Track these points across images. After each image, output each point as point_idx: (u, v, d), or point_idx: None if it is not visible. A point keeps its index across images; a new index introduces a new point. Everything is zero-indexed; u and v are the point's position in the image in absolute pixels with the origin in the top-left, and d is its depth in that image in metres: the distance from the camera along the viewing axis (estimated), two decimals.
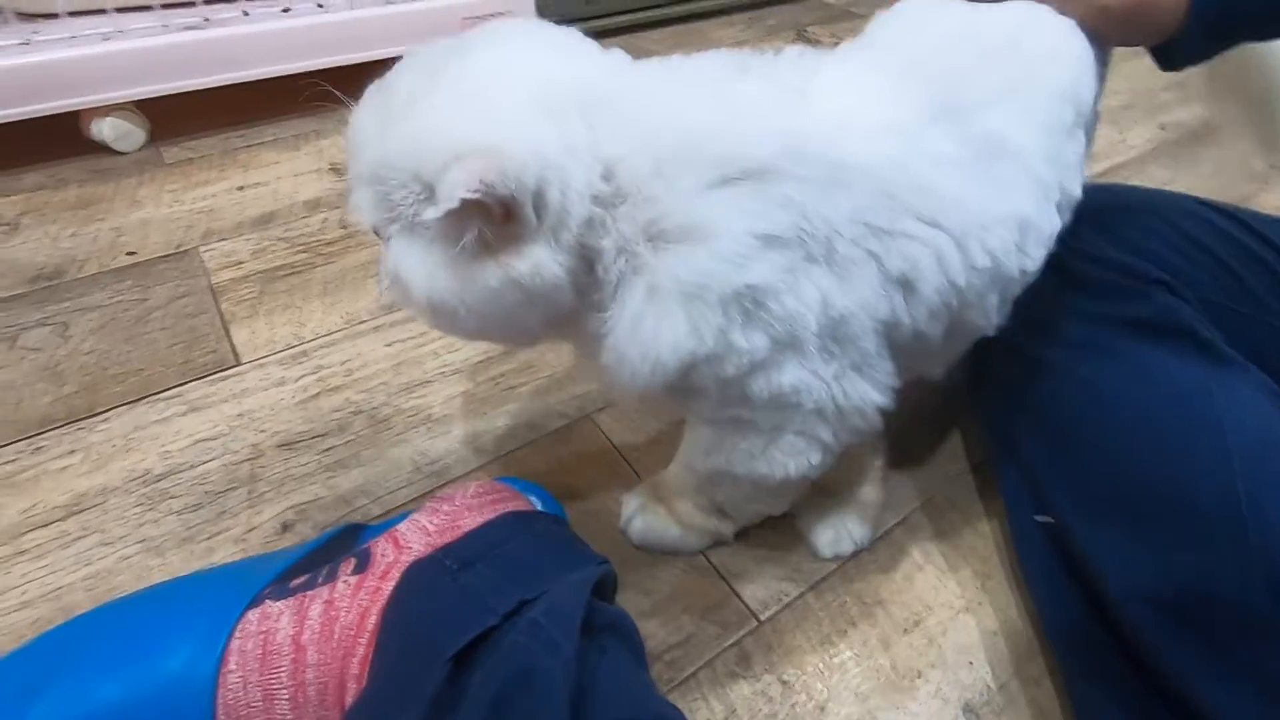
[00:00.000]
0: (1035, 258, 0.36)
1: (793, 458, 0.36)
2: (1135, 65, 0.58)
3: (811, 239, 0.30)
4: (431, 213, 0.27)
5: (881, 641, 0.43)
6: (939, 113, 0.33)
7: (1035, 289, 0.46)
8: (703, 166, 0.29)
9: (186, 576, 0.36)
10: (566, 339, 0.37)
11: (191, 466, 0.51)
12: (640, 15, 1.27)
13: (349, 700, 0.30)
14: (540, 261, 0.28)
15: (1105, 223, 0.45)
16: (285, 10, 0.91)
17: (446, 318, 0.30)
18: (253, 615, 0.32)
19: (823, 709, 0.40)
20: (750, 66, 0.33)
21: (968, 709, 0.40)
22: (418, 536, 0.36)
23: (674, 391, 0.32)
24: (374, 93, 0.31)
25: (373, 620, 0.31)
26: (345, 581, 0.33)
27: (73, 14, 0.81)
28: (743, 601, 0.45)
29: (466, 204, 0.26)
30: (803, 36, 1.30)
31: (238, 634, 0.31)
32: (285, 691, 0.30)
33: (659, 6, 1.30)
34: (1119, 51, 0.43)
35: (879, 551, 0.48)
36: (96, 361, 0.59)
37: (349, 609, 0.31)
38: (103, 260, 0.70)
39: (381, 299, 0.34)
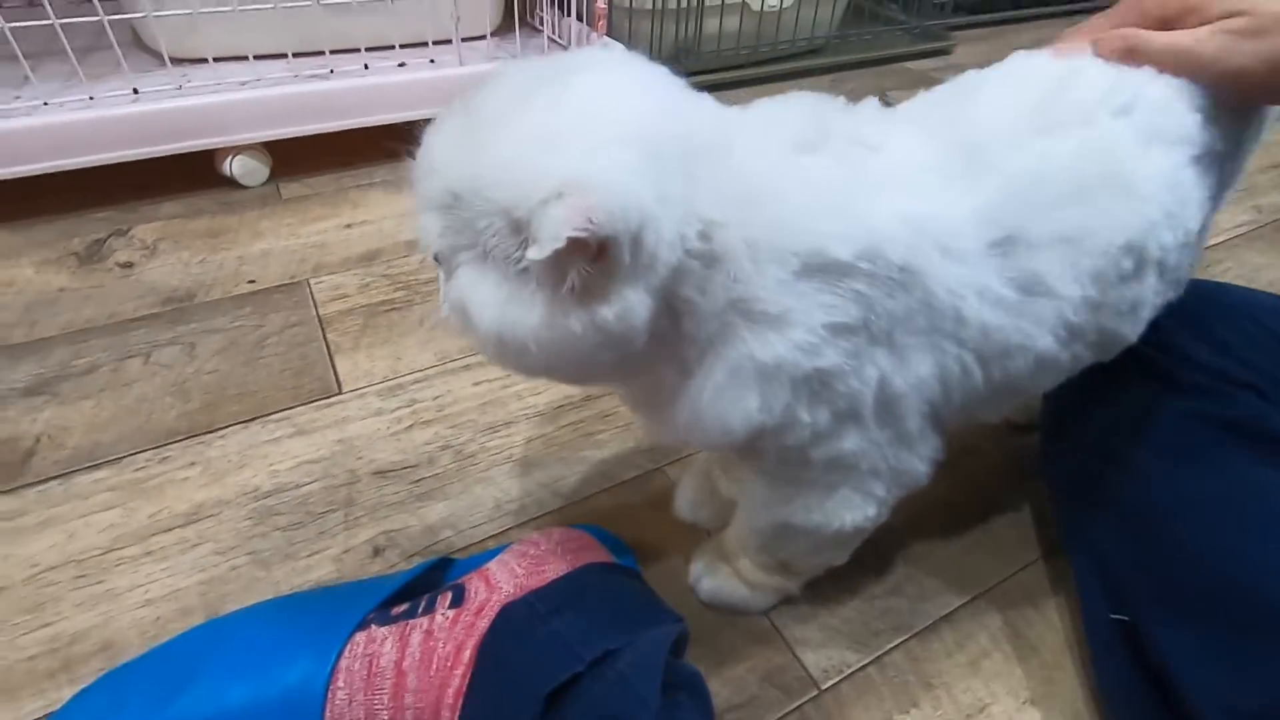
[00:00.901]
0: (1052, 383, 0.39)
1: (849, 511, 0.38)
2: None
3: (876, 325, 0.31)
4: (534, 252, 0.25)
5: None
6: (999, 243, 0.33)
7: (1121, 381, 0.46)
8: (789, 257, 0.30)
9: (300, 594, 0.40)
10: (626, 385, 0.37)
11: (296, 486, 0.56)
12: (727, 75, 1.32)
13: None
14: (629, 305, 0.27)
15: (1197, 323, 0.46)
16: (401, 65, 1.00)
17: (514, 354, 0.29)
18: (360, 637, 0.35)
19: None
20: (831, 128, 0.33)
21: None
22: (507, 577, 0.38)
23: (737, 450, 0.35)
24: (454, 113, 0.30)
25: (467, 654, 0.33)
26: (443, 614, 0.36)
27: (218, 59, 0.91)
28: (805, 668, 0.46)
29: (572, 244, 0.24)
30: (884, 101, 1.32)
31: (346, 654, 0.34)
32: (385, 713, 0.33)
33: (745, 67, 1.35)
34: None
35: (944, 633, 0.48)
36: (218, 381, 0.65)
37: (446, 640, 0.34)
38: (226, 287, 0.77)
39: (434, 323, 0.32)
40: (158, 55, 0.93)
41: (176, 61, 0.90)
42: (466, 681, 0.33)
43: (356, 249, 0.84)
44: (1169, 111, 0.36)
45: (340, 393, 0.64)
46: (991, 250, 0.33)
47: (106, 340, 0.69)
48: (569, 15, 1.12)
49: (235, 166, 0.93)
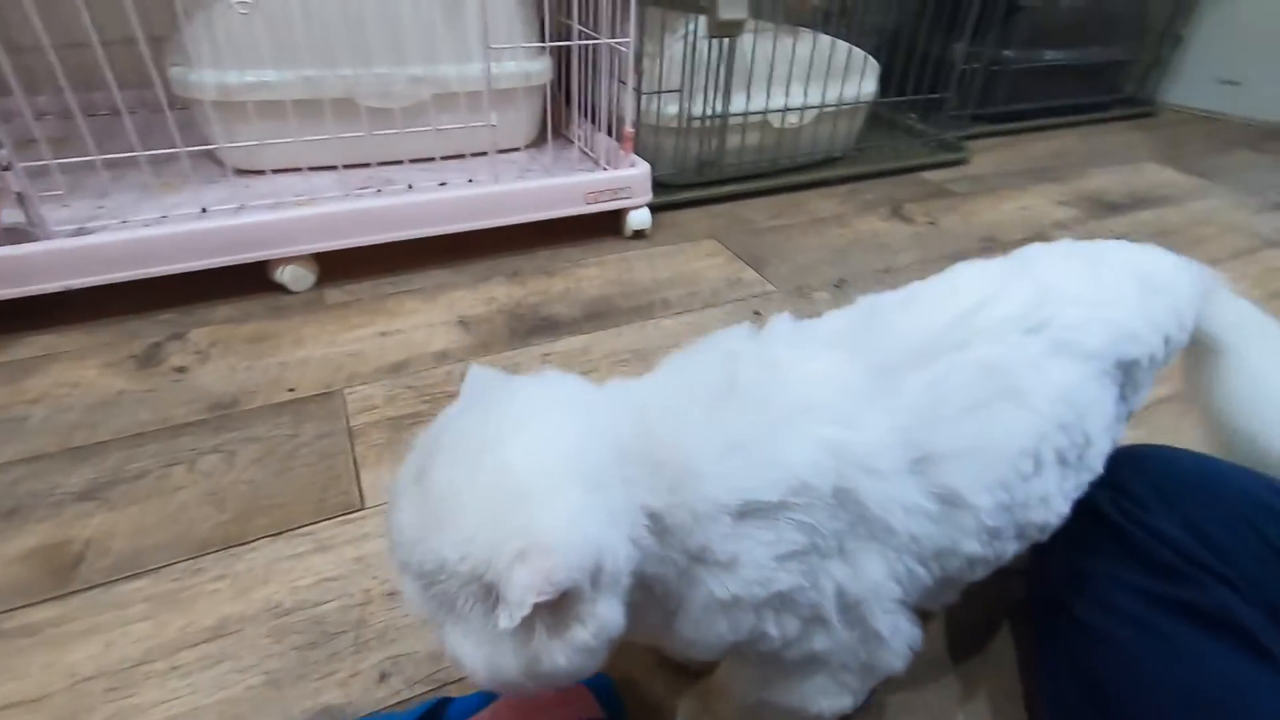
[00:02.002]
0: (988, 572, 0.42)
1: (825, 698, 0.41)
2: None
3: (824, 543, 0.35)
4: (505, 620, 0.27)
5: None
6: (917, 461, 0.36)
7: (1094, 550, 0.49)
8: (723, 516, 0.33)
9: None
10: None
11: (315, 605, 0.60)
12: (749, 184, 1.39)
13: None
14: (602, 621, 0.30)
15: (1172, 498, 0.47)
16: (442, 184, 1.09)
17: (515, 688, 0.31)
18: None
19: None
20: (739, 376, 0.36)
21: None
22: None
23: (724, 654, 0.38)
24: (410, 485, 0.32)
25: None
26: None
27: (275, 171, 1.01)
28: None
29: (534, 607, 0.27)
30: (897, 213, 1.38)
31: None
32: None
33: (764, 177, 1.42)
34: None
35: None
36: (252, 492, 0.70)
37: None
38: (268, 394, 0.83)
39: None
40: (220, 163, 1.04)
41: (240, 173, 1.00)
42: None
43: (389, 358, 0.90)
44: (1081, 330, 0.40)
45: (362, 508, 0.69)
46: (912, 468, 0.36)
47: (157, 446, 0.75)
48: (600, 129, 1.22)
49: (286, 275, 1.01)
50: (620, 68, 1.15)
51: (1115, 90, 2.03)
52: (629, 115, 1.16)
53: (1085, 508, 0.46)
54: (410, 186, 1.07)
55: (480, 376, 0.37)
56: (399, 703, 0.53)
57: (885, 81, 1.50)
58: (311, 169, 1.05)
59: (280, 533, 0.66)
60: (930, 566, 0.38)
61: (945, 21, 1.53)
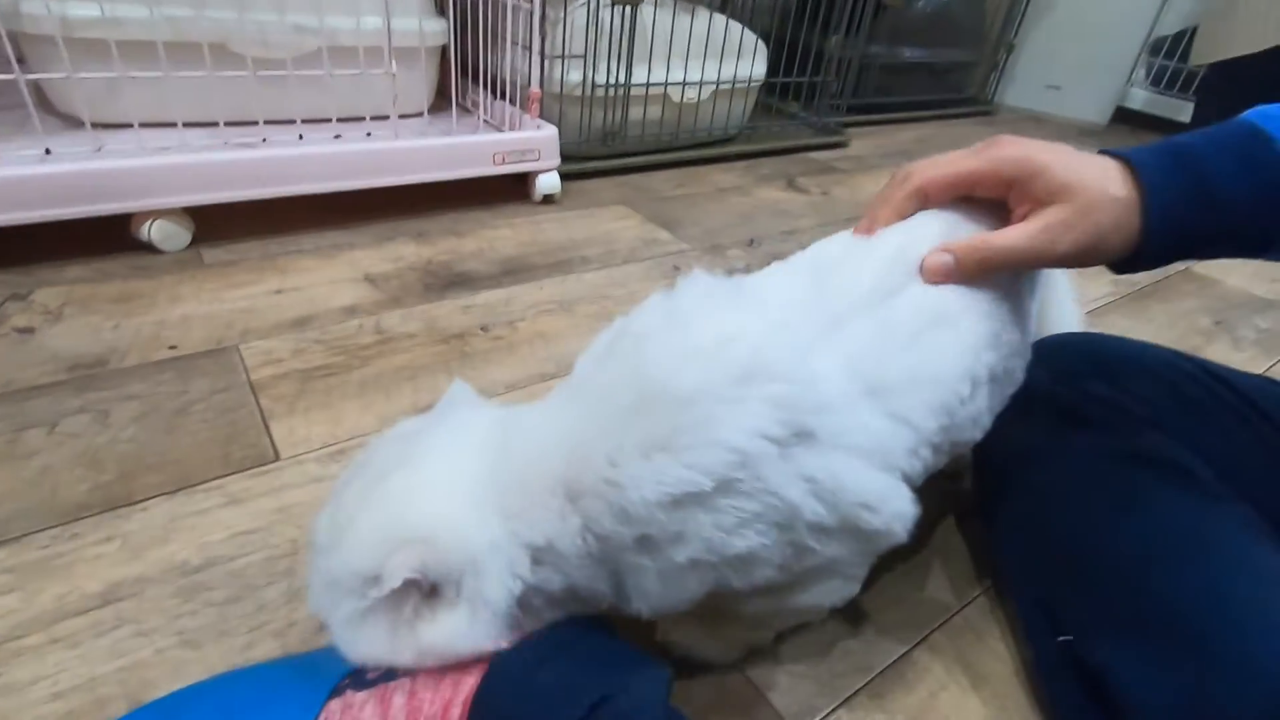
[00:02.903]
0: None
1: (836, 592, 0.41)
2: None
3: (785, 492, 0.34)
4: (375, 591, 0.32)
5: None
6: (871, 391, 0.37)
7: (1040, 423, 0.52)
8: (659, 505, 0.32)
9: (260, 666, 0.37)
10: None
11: (230, 559, 0.52)
12: (652, 158, 1.41)
13: None
14: (455, 627, 0.33)
15: (1101, 367, 0.52)
16: (336, 137, 1.00)
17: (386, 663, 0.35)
18: (335, 705, 0.32)
19: None
20: (652, 365, 0.35)
21: None
22: None
23: None
24: (328, 512, 0.36)
25: (456, 711, 0.32)
26: (427, 673, 0.34)
27: (144, 125, 0.88)
28: (779, 713, 0.46)
29: (406, 583, 0.31)
30: (792, 185, 1.45)
31: None
32: None
33: (668, 151, 1.44)
34: None
35: (902, 670, 0.50)
36: (136, 450, 0.60)
37: (432, 700, 0.32)
38: (144, 352, 0.72)
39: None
40: (74, 120, 0.90)
41: (97, 126, 0.87)
42: None
43: (289, 314, 0.81)
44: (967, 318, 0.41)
45: (278, 459, 0.61)
46: (866, 396, 0.36)
47: (2, 410, 0.63)
48: (502, 99, 1.18)
49: (154, 232, 0.89)
50: (524, 30, 1.12)
51: (961, 90, 2.26)
52: (535, 77, 1.13)
53: (1024, 389, 0.48)
54: (301, 138, 0.97)
55: (456, 391, 0.43)
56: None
57: (771, 68, 1.58)
58: (187, 124, 0.92)
59: (177, 490, 0.57)
60: (910, 459, 0.38)
61: (823, 15, 1.63)
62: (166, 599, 0.49)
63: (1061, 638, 0.44)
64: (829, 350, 0.37)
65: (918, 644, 0.52)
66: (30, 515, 0.53)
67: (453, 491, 0.34)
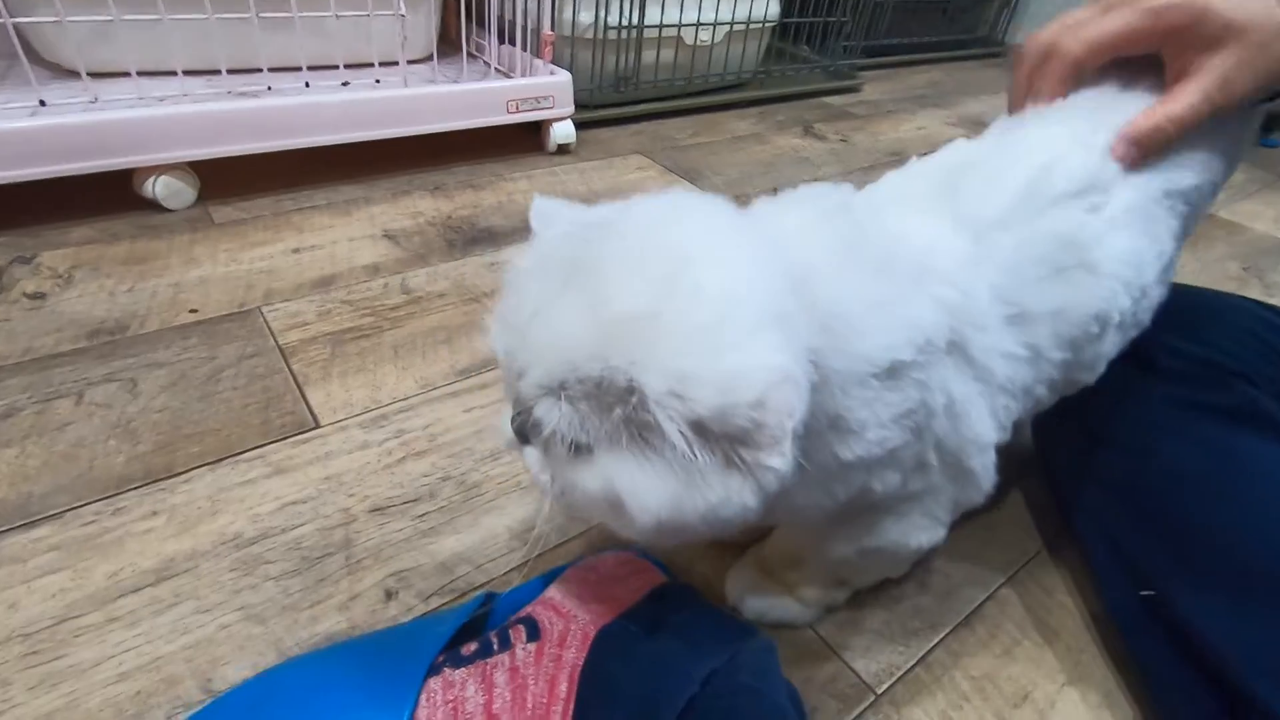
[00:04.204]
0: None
1: (922, 533, 0.40)
2: None
3: (933, 397, 0.33)
4: (762, 457, 0.25)
5: (996, 716, 0.44)
6: (1012, 318, 0.36)
7: (1120, 379, 0.50)
8: (869, 379, 0.30)
9: (350, 643, 0.35)
10: None
11: (284, 530, 0.50)
12: (665, 104, 1.35)
13: None
14: (788, 464, 0.26)
15: (1180, 321, 0.50)
16: (344, 84, 0.95)
17: (670, 531, 0.28)
18: (435, 684, 0.31)
19: None
20: (866, 233, 0.34)
21: None
22: (577, 604, 0.36)
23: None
24: (565, 285, 0.28)
25: (563, 688, 0.31)
26: (524, 649, 0.32)
27: (142, 74, 0.83)
28: (857, 675, 0.45)
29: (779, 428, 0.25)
30: (809, 132, 1.40)
31: (424, 703, 0.30)
32: None
33: (682, 97, 1.38)
34: None
35: (975, 626, 0.49)
36: (170, 419, 0.58)
37: (536, 677, 0.31)
38: (164, 317, 0.69)
39: (546, 513, 0.31)
40: (68, 71, 0.84)
41: (93, 76, 0.81)
42: (568, 716, 0.30)
43: (309, 274, 0.78)
44: (1132, 210, 0.40)
45: (318, 426, 0.59)
46: (1007, 322, 0.36)
47: (24, 380, 0.60)
48: (508, 43, 1.12)
49: (158, 188, 0.84)
50: None
51: (973, 30, 2.19)
52: (546, 20, 1.07)
53: None
54: (308, 85, 0.92)
55: (546, 206, 0.33)
56: (418, 618, 0.45)
57: (785, 8, 1.51)
58: (189, 73, 0.86)
59: (220, 459, 0.55)
60: (1021, 401, 0.38)
61: None
62: (224, 573, 0.47)
63: (1144, 592, 0.44)
64: (977, 267, 0.36)
65: (985, 600, 0.51)
66: (70, 489, 0.51)
67: (761, 300, 0.27)
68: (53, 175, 0.76)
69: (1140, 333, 0.45)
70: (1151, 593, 0.44)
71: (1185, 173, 0.42)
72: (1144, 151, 0.39)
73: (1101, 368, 0.43)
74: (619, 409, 0.26)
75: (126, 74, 0.82)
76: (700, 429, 0.25)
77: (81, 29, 0.80)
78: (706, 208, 0.31)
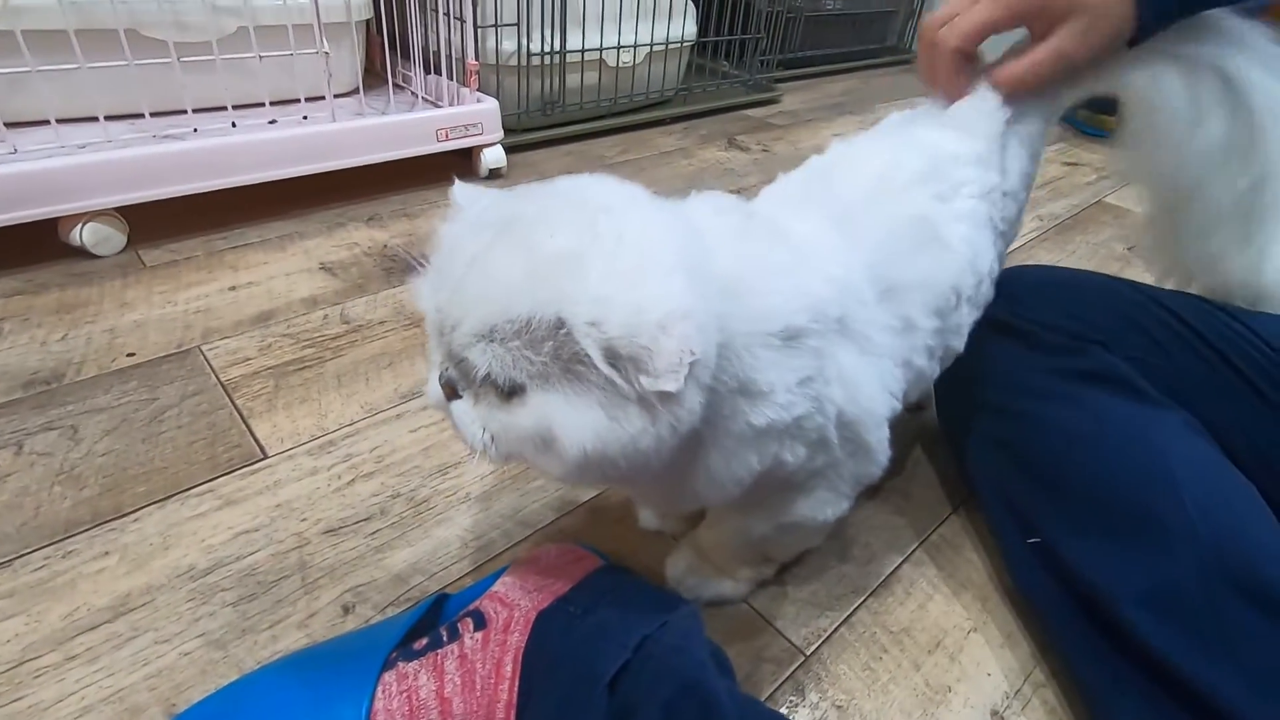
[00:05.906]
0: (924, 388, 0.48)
1: (829, 506, 0.45)
2: None
3: (827, 365, 0.37)
4: (659, 384, 0.27)
5: (912, 663, 0.49)
6: (884, 293, 0.42)
7: (997, 352, 0.56)
8: (772, 339, 0.34)
9: (307, 650, 0.37)
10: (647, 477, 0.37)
11: (238, 559, 0.52)
12: (593, 124, 1.40)
13: None
14: (695, 401, 0.30)
15: (1047, 296, 0.57)
16: (271, 122, 0.96)
17: (595, 468, 0.30)
18: (389, 677, 0.34)
19: None
20: (754, 216, 0.40)
21: (994, 714, 0.46)
22: (521, 594, 0.39)
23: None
24: (498, 238, 0.30)
25: (509, 668, 0.34)
26: (472, 637, 0.35)
27: (62, 121, 0.82)
28: (787, 639, 0.50)
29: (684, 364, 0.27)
30: (733, 144, 1.47)
31: (380, 695, 0.33)
32: None
33: (608, 117, 1.43)
34: None
35: (893, 586, 0.54)
36: (115, 462, 0.59)
37: (483, 660, 0.34)
38: (101, 362, 0.69)
39: (474, 459, 0.33)
40: None
41: (9, 126, 0.81)
42: (514, 693, 0.33)
43: (247, 311, 0.79)
44: (968, 212, 0.47)
45: (265, 457, 0.61)
46: (881, 297, 0.41)
47: None
48: (435, 74, 1.15)
49: (86, 235, 0.84)
50: (454, 1, 1.09)
51: (882, 40, 2.31)
52: (470, 49, 1.11)
53: (983, 319, 0.53)
54: (234, 125, 0.93)
55: (468, 189, 0.35)
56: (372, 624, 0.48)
57: (701, 27, 1.58)
58: (111, 118, 0.86)
59: (169, 496, 0.56)
60: (904, 370, 0.43)
61: None
62: (181, 604, 0.48)
63: (1030, 539, 0.50)
64: (850, 248, 0.41)
65: (902, 563, 0.56)
66: (16, 538, 0.52)
67: (678, 255, 0.30)
68: None
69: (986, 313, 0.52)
70: (1037, 539, 0.49)
71: (1006, 176, 0.50)
72: (1011, 89, 0.49)
73: (965, 334, 0.49)
74: (549, 343, 0.28)
75: (45, 122, 0.82)
76: (613, 355, 0.27)
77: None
78: (625, 184, 0.34)
